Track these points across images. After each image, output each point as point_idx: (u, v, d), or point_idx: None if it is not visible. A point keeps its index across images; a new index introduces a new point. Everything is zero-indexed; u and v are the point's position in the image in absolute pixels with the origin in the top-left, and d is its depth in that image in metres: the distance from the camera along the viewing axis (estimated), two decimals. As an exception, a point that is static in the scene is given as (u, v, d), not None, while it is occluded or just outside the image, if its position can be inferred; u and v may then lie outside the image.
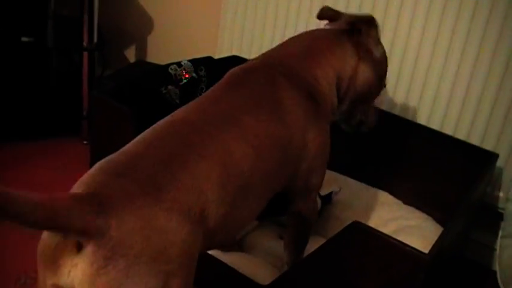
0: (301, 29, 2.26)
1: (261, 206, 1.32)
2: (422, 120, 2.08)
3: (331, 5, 1.70)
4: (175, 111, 1.23)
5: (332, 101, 1.52)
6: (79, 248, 0.90)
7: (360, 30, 1.58)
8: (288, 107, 1.35)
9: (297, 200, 1.50)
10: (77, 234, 0.89)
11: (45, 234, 0.95)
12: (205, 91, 2.14)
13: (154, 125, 1.16)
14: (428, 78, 2.06)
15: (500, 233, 1.21)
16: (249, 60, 1.54)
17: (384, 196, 2.07)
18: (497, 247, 1.20)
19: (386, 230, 1.87)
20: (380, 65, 1.63)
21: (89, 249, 0.89)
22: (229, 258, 1.65)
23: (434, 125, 2.06)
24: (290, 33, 2.31)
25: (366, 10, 2.11)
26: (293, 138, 1.34)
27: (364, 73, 1.60)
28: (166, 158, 1.04)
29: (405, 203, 2.06)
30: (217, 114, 1.22)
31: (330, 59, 1.53)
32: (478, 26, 1.92)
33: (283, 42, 1.59)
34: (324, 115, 1.47)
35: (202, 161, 1.07)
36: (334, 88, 1.53)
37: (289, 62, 1.46)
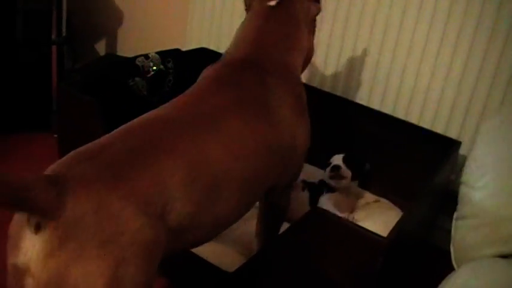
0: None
1: (247, 205, 1.32)
2: (387, 109, 2.11)
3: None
4: (158, 108, 1.23)
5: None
6: (38, 229, 0.91)
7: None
8: (276, 109, 1.35)
9: (277, 192, 1.50)
10: (38, 214, 0.90)
11: (14, 217, 0.96)
12: (173, 83, 2.17)
13: (133, 120, 1.17)
14: (393, 69, 2.08)
15: (454, 215, 1.23)
16: (226, 53, 1.53)
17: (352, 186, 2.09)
18: (452, 229, 1.22)
19: (355, 216, 1.91)
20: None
21: (45, 230, 0.90)
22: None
23: (400, 115, 2.09)
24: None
25: None
26: (281, 138, 1.34)
27: (312, 43, 1.64)
28: (133, 150, 1.05)
29: (372, 192, 2.08)
30: (199, 114, 1.21)
31: (301, 44, 1.55)
32: (440, 16, 1.95)
33: (250, 30, 1.55)
34: (305, 103, 1.48)
35: (169, 158, 1.07)
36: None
37: (275, 57, 1.46)
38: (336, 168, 1.91)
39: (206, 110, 1.24)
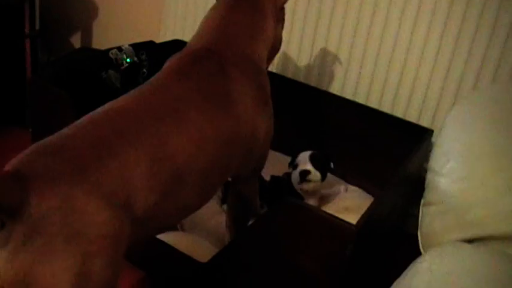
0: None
1: (209, 193, 1.33)
2: (360, 99, 2.12)
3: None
4: (118, 98, 1.21)
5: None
6: (2, 227, 0.90)
7: None
8: (237, 99, 1.34)
9: (242, 183, 1.51)
10: (1, 212, 0.89)
11: None
12: (147, 75, 2.17)
13: (94, 111, 1.15)
14: (366, 59, 2.09)
15: (421, 202, 1.25)
16: (190, 42, 1.51)
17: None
18: (419, 215, 1.24)
19: (329, 207, 1.91)
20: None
21: (9, 227, 0.89)
22: (170, 238, 1.66)
23: (373, 104, 2.10)
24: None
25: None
26: (242, 129, 1.34)
27: (280, 33, 1.64)
28: (95, 142, 1.04)
29: (346, 181, 2.09)
30: (160, 105, 1.21)
31: (266, 34, 1.53)
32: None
33: (214, 20, 1.54)
34: (268, 95, 1.47)
35: (132, 149, 1.07)
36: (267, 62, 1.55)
37: (237, 47, 1.45)
38: (305, 173, 1.84)
39: (167, 100, 1.23)
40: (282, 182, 1.90)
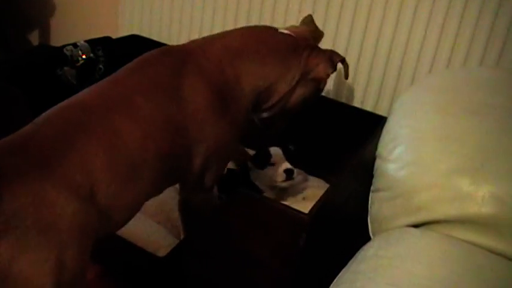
0: (200, 5, 2.27)
1: (163, 185, 1.35)
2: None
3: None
4: (77, 94, 1.24)
5: (247, 106, 1.49)
6: None
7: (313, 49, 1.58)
8: (188, 96, 1.33)
9: (188, 191, 1.50)
10: None
11: None
12: (103, 71, 2.15)
13: (52, 107, 1.18)
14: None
15: (371, 188, 1.26)
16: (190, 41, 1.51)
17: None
18: (369, 202, 1.25)
19: (288, 198, 1.92)
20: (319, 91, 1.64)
21: None
22: (130, 229, 1.65)
23: (330, 95, 2.12)
24: (187, 9, 2.32)
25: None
26: (189, 127, 1.33)
27: (300, 95, 1.59)
28: (56, 137, 1.08)
29: (307, 172, 2.09)
30: (113, 96, 1.23)
31: (268, 73, 1.49)
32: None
33: (240, 32, 1.54)
34: (233, 116, 1.43)
35: (90, 141, 1.10)
36: (254, 96, 1.50)
37: (218, 59, 1.43)
38: (291, 172, 1.84)
39: (120, 91, 1.26)
40: (238, 175, 1.90)
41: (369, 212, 1.24)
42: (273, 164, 1.86)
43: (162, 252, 1.65)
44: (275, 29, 1.56)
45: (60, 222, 0.99)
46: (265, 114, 1.59)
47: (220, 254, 1.49)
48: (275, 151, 1.87)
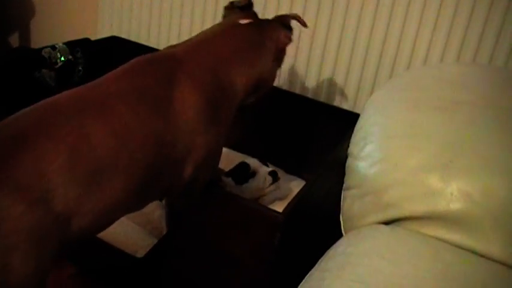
0: (178, 5, 2.27)
1: (142, 195, 1.30)
2: (297, 90, 2.14)
3: None
4: (56, 95, 1.21)
5: (238, 105, 1.50)
6: None
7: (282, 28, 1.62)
8: (178, 108, 1.30)
9: (177, 197, 1.47)
10: None
11: None
12: (82, 73, 2.15)
13: (25, 108, 1.15)
14: (300, 50, 2.11)
15: (343, 186, 1.26)
16: (168, 47, 1.51)
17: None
18: (341, 200, 1.25)
19: (265, 198, 1.92)
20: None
21: None
22: (109, 230, 1.65)
23: (309, 94, 2.13)
24: (166, 10, 2.32)
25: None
26: (178, 139, 1.31)
27: (275, 71, 1.63)
28: (15, 136, 1.05)
29: (285, 171, 2.10)
30: (91, 100, 1.20)
31: (256, 67, 1.52)
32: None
33: (207, 34, 1.55)
34: (223, 123, 1.43)
35: (50, 142, 1.07)
36: (246, 93, 1.52)
37: (206, 63, 1.42)
38: (275, 174, 1.86)
39: (98, 96, 1.22)
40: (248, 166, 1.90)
41: (341, 210, 1.25)
42: (254, 174, 1.85)
43: (141, 254, 1.66)
44: (239, 23, 1.58)
45: (4, 225, 0.96)
46: (251, 99, 1.60)
47: (198, 254, 1.49)
48: (250, 161, 1.88)
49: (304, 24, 1.67)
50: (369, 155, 1.20)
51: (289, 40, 1.63)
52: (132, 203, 1.30)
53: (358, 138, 1.27)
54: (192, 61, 1.40)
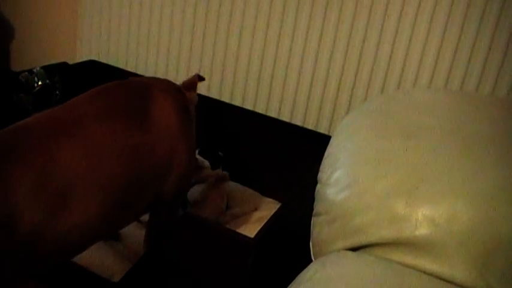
0: (156, 30, 2.29)
1: (118, 216, 1.31)
2: (260, 109, 2.17)
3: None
4: (28, 118, 1.23)
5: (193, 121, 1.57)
6: None
7: None
8: (156, 118, 1.35)
9: (162, 210, 1.50)
10: None
11: None
12: (60, 97, 2.16)
13: None
14: (264, 70, 2.14)
15: (313, 212, 1.27)
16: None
17: (243, 188, 2.12)
18: (311, 226, 1.26)
19: (242, 221, 1.93)
20: None
21: None
22: (84, 253, 1.65)
23: (273, 114, 2.16)
24: (144, 34, 2.33)
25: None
26: (158, 147, 1.34)
27: None
28: None
29: (263, 194, 2.11)
30: (62, 121, 1.21)
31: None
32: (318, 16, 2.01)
33: None
34: (193, 132, 1.49)
35: (17, 166, 1.07)
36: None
37: (176, 85, 1.52)
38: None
39: (70, 117, 1.24)
40: None
41: (311, 236, 1.26)
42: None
43: (117, 278, 1.65)
44: None
45: None
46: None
47: (172, 278, 1.49)
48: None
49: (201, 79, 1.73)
50: (337, 181, 1.21)
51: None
52: (107, 226, 1.30)
53: (327, 165, 1.28)
54: (163, 82, 1.45)
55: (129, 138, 1.28)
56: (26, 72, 2.06)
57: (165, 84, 1.47)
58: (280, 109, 2.16)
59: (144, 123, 1.32)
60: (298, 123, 2.13)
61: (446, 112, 1.33)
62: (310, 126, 2.12)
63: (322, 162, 1.32)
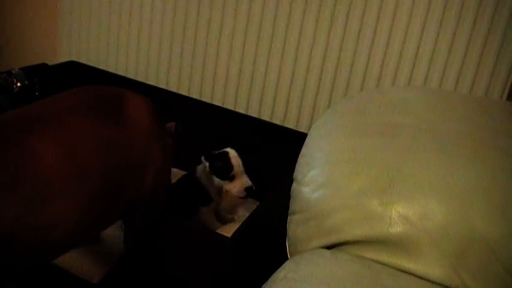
0: (136, 31, 2.29)
1: (96, 216, 1.28)
2: (241, 109, 2.16)
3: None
4: (4, 113, 1.21)
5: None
6: None
7: None
8: (132, 115, 1.35)
9: (140, 211, 1.47)
10: None
11: None
12: (40, 98, 2.15)
13: None
14: (244, 69, 2.14)
15: (289, 211, 1.28)
16: None
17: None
18: (287, 225, 1.26)
19: (227, 219, 1.93)
20: None
21: None
22: (64, 255, 1.65)
23: (253, 113, 2.16)
24: (124, 35, 2.33)
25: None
26: (135, 143, 1.34)
27: None
28: None
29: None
30: (38, 115, 1.20)
31: None
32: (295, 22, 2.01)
33: None
34: (166, 138, 1.49)
35: None
36: None
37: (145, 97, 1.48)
38: (250, 190, 1.83)
39: (45, 110, 1.24)
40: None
41: (287, 235, 1.26)
42: (233, 178, 1.82)
43: (96, 280, 1.65)
44: None
45: None
46: None
47: (151, 279, 1.49)
48: (235, 159, 1.83)
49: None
50: (312, 180, 1.21)
51: None
52: (91, 225, 1.28)
53: (302, 164, 1.28)
54: (135, 92, 1.45)
55: (104, 131, 1.27)
56: (5, 74, 2.05)
57: (137, 94, 1.47)
58: (260, 108, 2.16)
59: (119, 119, 1.32)
60: (278, 122, 2.13)
61: (421, 110, 1.33)
62: (290, 125, 2.12)
63: (298, 161, 1.32)
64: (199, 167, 1.86)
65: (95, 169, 1.23)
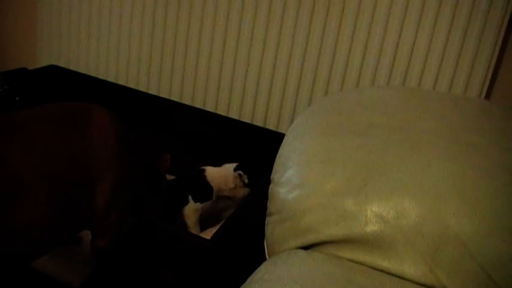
0: (116, 35, 2.28)
1: (67, 216, 1.30)
2: (222, 111, 2.17)
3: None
4: None
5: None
6: None
7: None
8: (95, 133, 1.37)
9: (99, 236, 1.48)
10: None
11: None
12: (20, 102, 2.14)
13: None
14: (224, 73, 2.14)
15: (266, 212, 1.28)
16: None
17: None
18: (265, 226, 1.27)
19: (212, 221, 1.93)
20: None
21: None
22: (44, 259, 1.65)
23: (234, 115, 2.16)
24: (104, 39, 2.32)
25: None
26: (94, 160, 1.35)
27: None
28: None
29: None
30: (7, 122, 1.24)
31: None
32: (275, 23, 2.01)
33: None
34: (130, 153, 1.49)
35: None
36: None
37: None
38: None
39: (16, 118, 1.27)
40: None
41: (265, 236, 1.27)
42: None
43: (77, 283, 1.65)
44: None
45: None
46: None
47: (132, 282, 1.49)
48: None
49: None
50: (288, 180, 1.22)
51: None
52: (62, 223, 1.30)
53: (279, 164, 1.29)
54: (101, 108, 1.47)
55: (69, 143, 1.31)
56: (-16, 79, 2.04)
57: (104, 109, 1.47)
58: (241, 110, 2.17)
59: (84, 134, 1.36)
60: (260, 123, 2.14)
61: (397, 110, 1.34)
62: (271, 126, 2.13)
63: (275, 162, 1.33)
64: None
65: (59, 177, 1.26)
